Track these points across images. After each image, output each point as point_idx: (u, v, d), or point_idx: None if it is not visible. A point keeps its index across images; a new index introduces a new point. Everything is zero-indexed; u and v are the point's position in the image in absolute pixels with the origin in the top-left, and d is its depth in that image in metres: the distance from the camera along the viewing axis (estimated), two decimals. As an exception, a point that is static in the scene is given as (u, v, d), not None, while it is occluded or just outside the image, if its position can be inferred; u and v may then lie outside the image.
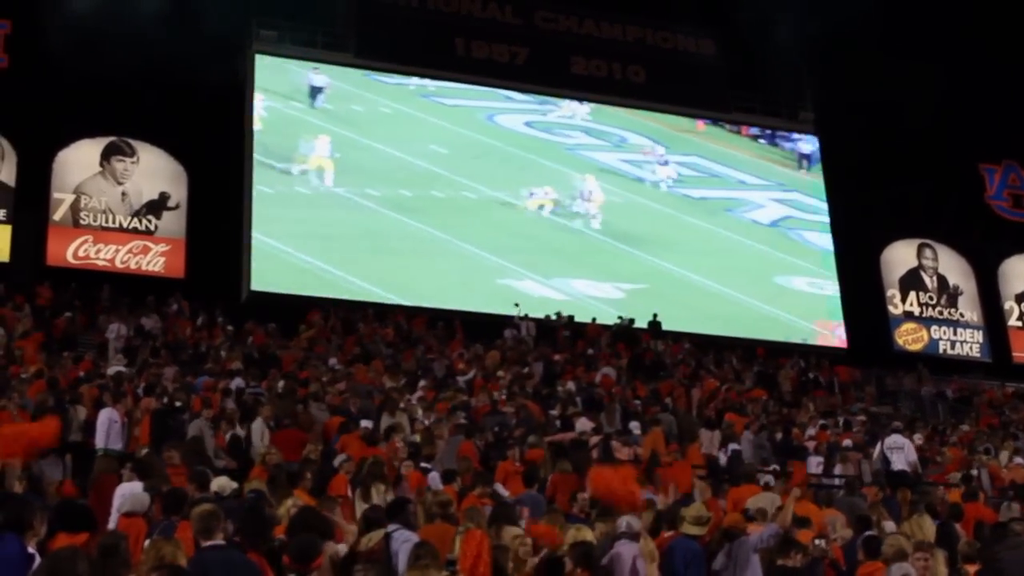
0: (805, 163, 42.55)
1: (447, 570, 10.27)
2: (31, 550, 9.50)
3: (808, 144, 42.63)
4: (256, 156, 35.99)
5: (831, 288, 40.70)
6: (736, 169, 41.79)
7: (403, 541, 10.26)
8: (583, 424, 21.82)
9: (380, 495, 13.18)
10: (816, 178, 42.25)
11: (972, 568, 11.70)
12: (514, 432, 20.39)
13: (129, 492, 12.31)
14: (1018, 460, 24.53)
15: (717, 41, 42.77)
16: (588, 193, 38.67)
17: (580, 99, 40.70)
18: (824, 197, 41.93)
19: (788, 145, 42.86)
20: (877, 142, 39.49)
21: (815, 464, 22.31)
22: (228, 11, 35.01)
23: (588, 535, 12.16)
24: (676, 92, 41.45)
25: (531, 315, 34.01)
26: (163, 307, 29.96)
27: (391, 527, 10.86)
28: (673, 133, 41.44)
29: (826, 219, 41.64)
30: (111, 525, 11.04)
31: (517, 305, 34.42)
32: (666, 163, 40.41)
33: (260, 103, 36.74)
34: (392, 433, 18.46)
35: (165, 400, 19.58)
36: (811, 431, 25.09)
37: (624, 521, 12.34)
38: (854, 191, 41.11)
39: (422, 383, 25.04)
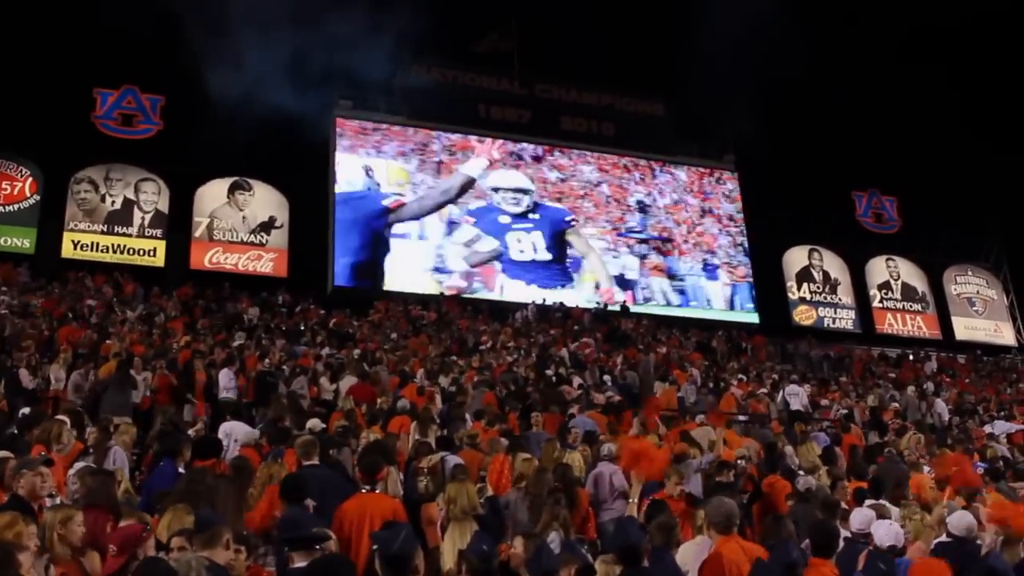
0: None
1: (480, 483, 10.39)
2: (180, 470, 9.55)
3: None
4: (336, 189, 35.96)
5: (748, 280, 40.69)
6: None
7: (452, 463, 10.51)
8: (576, 381, 22.01)
9: (432, 432, 13.20)
10: (736, 203, 42.15)
11: (853, 484, 11.65)
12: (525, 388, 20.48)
13: (230, 429, 12.35)
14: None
15: (665, 104, 42.71)
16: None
17: (569, 147, 40.46)
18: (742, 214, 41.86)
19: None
20: (778, 175, 39.47)
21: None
22: (318, 85, 35.43)
23: (575, 457, 12.21)
24: (636, 142, 41.39)
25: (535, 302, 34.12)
26: (271, 297, 30.05)
27: (443, 453, 11.11)
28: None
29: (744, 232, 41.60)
30: (229, 453, 11.01)
31: (544, 300, 34.61)
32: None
33: (338, 152, 36.69)
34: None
35: (267, 363, 19.70)
36: (734, 383, 25.05)
37: (606, 447, 12.36)
38: (764, 210, 41.00)
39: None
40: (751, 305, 40.24)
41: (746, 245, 41.35)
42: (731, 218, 41.85)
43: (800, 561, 6.39)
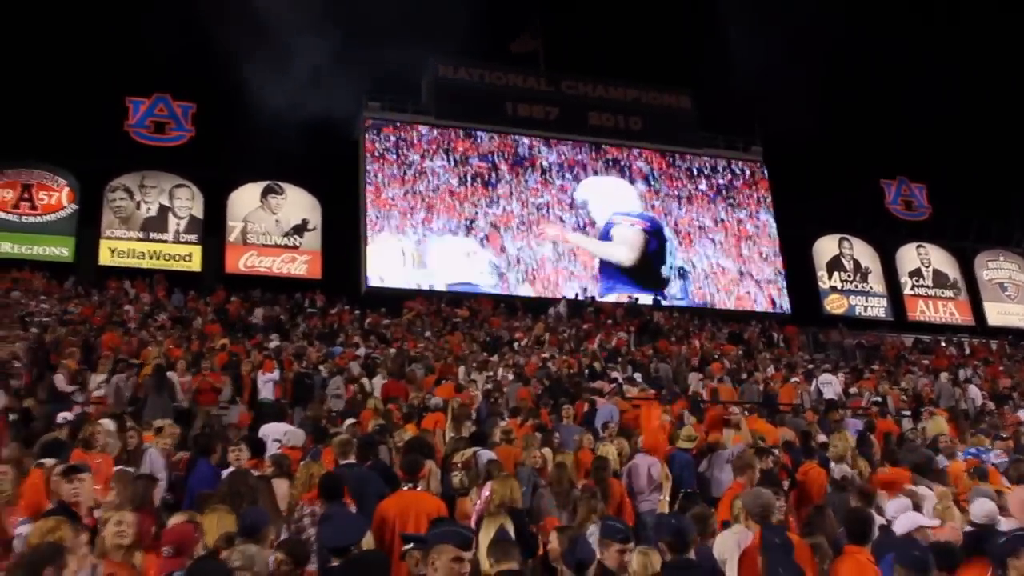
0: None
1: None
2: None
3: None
4: (367, 193, 36.06)
5: (780, 271, 40.48)
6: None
7: (485, 457, 10.52)
8: (613, 374, 22.04)
9: (467, 428, 13.24)
10: (767, 193, 41.96)
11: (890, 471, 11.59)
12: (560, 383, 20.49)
13: (271, 431, 12.42)
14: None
15: (692, 97, 42.49)
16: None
17: (596, 143, 40.43)
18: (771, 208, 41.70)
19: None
20: (806, 166, 39.27)
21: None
22: (346, 88, 35.37)
23: (610, 450, 12.24)
24: (664, 134, 41.27)
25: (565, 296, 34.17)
26: (305, 299, 30.28)
27: (476, 448, 11.15)
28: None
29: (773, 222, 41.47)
30: (268, 451, 11.06)
31: (584, 289, 34.72)
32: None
33: (368, 155, 36.80)
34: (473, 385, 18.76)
35: (304, 364, 19.83)
36: (768, 372, 24.95)
37: (641, 439, 12.51)
38: (792, 202, 40.83)
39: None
40: (784, 294, 39.99)
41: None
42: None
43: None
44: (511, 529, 7.48)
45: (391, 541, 7.83)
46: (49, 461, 8.69)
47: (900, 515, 7.97)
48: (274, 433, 12.22)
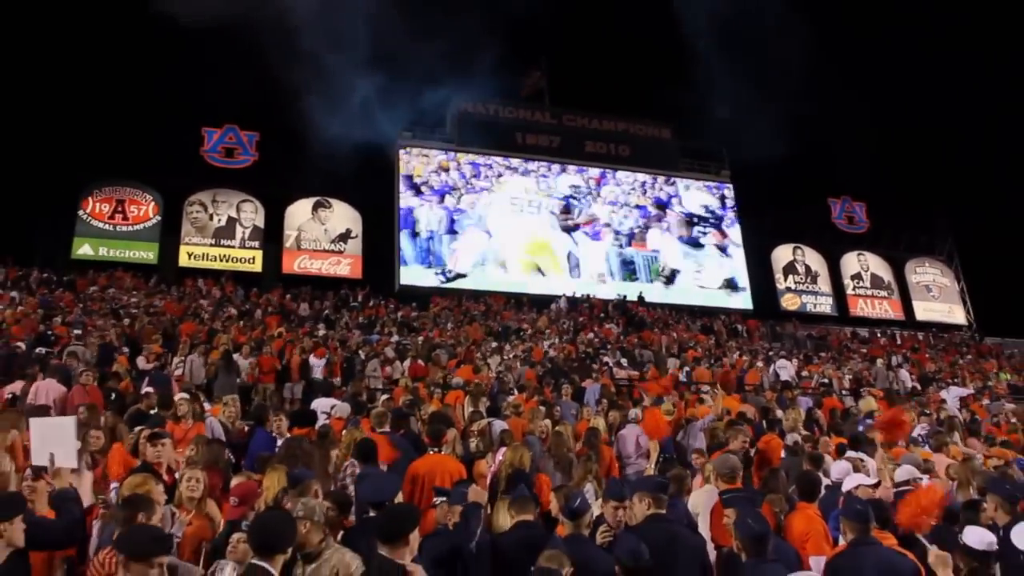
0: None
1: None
2: (276, 436, 9.65)
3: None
4: (400, 206, 36.12)
5: (744, 274, 40.43)
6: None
7: (498, 427, 10.49)
8: (604, 359, 22.07)
9: (483, 404, 13.22)
10: (734, 208, 41.94)
11: (835, 439, 11.56)
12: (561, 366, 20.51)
13: (321, 404, 12.43)
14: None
15: (672, 129, 42.58)
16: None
17: (591, 167, 40.41)
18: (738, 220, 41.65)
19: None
20: (767, 186, 39.35)
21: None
22: (384, 120, 35.75)
23: (600, 422, 12.22)
24: (647, 160, 41.32)
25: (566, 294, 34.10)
26: (348, 295, 30.37)
27: (490, 419, 11.13)
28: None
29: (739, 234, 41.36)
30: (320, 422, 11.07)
31: (574, 292, 34.61)
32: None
33: (402, 176, 36.83)
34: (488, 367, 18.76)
35: (347, 350, 19.90)
36: (734, 358, 24.93)
37: (632, 412, 12.44)
38: (755, 216, 41.01)
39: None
40: (747, 293, 39.88)
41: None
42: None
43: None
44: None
45: (420, 495, 7.84)
46: (138, 428, 8.75)
47: (845, 476, 7.97)
48: (323, 406, 12.24)
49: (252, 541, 4.77)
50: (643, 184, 41.02)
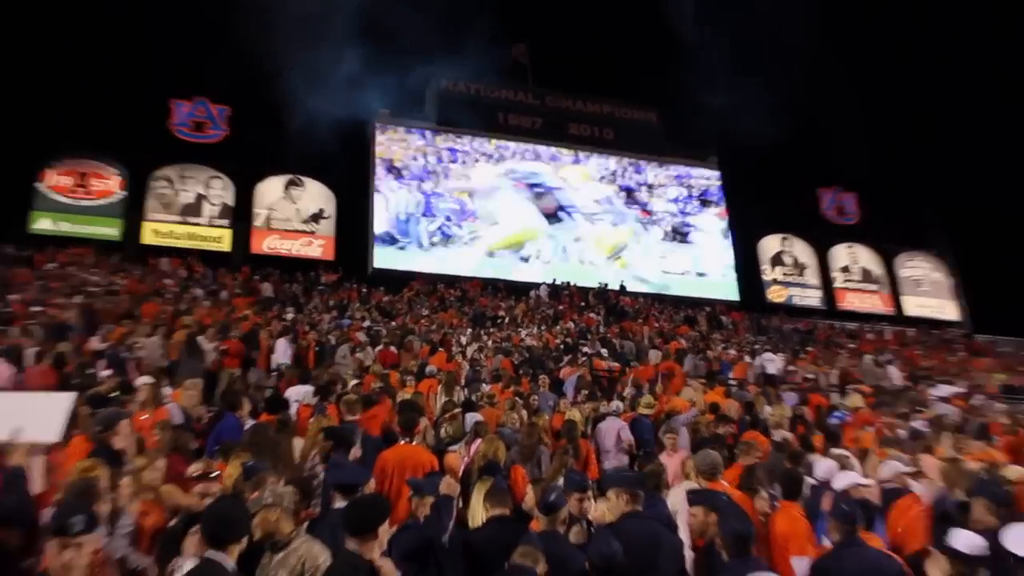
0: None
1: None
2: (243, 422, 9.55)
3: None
4: (375, 187, 36.04)
5: (731, 264, 40.55)
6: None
7: (471, 418, 10.45)
8: (584, 349, 22.05)
9: (457, 393, 13.16)
10: (721, 197, 42.09)
11: (819, 439, 11.59)
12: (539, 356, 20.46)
13: (295, 392, 12.33)
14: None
15: (658, 113, 42.64)
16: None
17: (574, 149, 40.40)
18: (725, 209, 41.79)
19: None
20: (755, 175, 39.41)
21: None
22: (363, 96, 35.52)
23: (576, 415, 12.20)
24: (632, 144, 41.38)
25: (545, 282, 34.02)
26: (318, 277, 30.28)
27: (464, 410, 11.14)
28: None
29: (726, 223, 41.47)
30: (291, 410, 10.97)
31: (555, 280, 34.46)
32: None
33: (378, 156, 36.69)
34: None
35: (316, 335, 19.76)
36: (718, 350, 24.94)
37: (614, 404, 12.44)
38: (742, 205, 41.17)
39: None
40: (732, 285, 40.00)
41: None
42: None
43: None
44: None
45: (390, 487, 7.77)
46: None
47: (838, 474, 7.96)
48: (296, 395, 12.15)
49: (204, 531, 4.69)
50: (621, 169, 41.06)
